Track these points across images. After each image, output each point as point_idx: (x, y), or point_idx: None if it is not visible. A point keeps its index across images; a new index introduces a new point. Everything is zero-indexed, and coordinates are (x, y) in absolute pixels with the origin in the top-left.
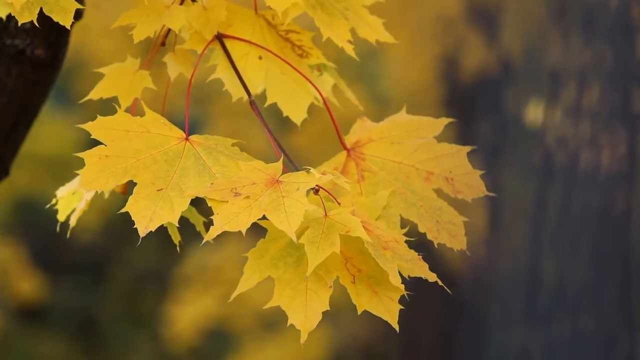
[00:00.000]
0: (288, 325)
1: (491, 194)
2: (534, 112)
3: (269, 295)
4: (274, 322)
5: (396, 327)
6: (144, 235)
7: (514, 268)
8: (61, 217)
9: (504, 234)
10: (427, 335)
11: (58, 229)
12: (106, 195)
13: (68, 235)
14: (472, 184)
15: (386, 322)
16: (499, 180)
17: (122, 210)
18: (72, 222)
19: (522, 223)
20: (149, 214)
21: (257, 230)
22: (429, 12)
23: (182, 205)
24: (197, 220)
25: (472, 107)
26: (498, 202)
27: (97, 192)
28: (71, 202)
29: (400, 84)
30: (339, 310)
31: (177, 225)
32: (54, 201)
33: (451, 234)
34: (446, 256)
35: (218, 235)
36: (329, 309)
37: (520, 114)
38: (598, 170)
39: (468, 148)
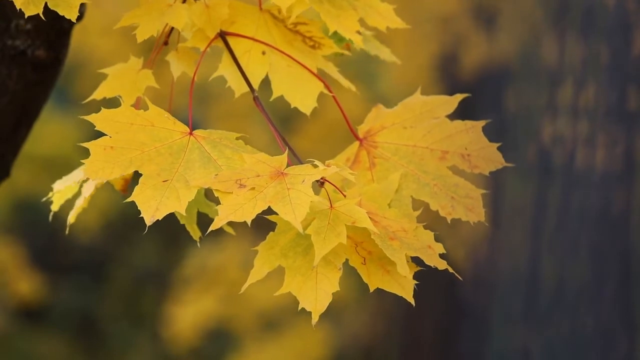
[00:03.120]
0: (299, 309)
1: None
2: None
3: (271, 295)
4: (275, 323)
5: (412, 301)
6: (150, 224)
7: (514, 268)
8: (55, 207)
9: (504, 233)
10: (428, 335)
11: (50, 218)
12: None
13: (67, 232)
14: (489, 157)
15: (387, 322)
16: (499, 180)
17: (128, 200)
18: (71, 219)
19: (522, 223)
20: (155, 204)
21: (258, 232)
22: (428, 12)
23: (188, 196)
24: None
25: (471, 107)
26: (498, 202)
27: (96, 187)
28: (66, 193)
29: (400, 83)
30: (340, 311)
31: (185, 214)
32: (50, 195)
33: (468, 207)
34: (447, 256)
35: (218, 236)
36: (339, 289)
37: (520, 113)
38: (597, 170)
39: (483, 122)
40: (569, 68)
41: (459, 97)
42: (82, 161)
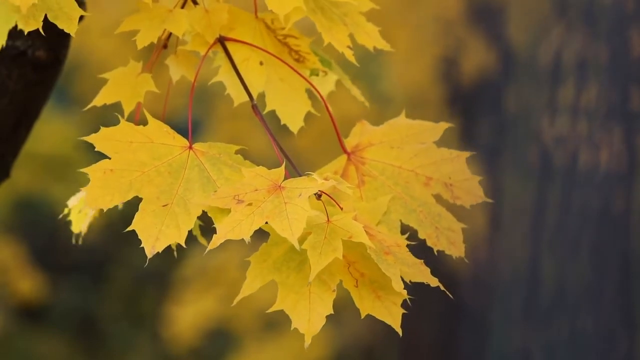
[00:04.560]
0: (292, 329)
1: (489, 200)
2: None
3: (270, 295)
4: (275, 323)
5: (399, 331)
6: (151, 256)
7: (514, 268)
8: (75, 229)
9: (504, 234)
10: (428, 335)
11: (74, 241)
12: (120, 206)
13: (80, 242)
14: (470, 190)
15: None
16: (499, 180)
17: (129, 229)
18: (84, 229)
19: (522, 223)
20: (155, 232)
21: (259, 232)
22: (429, 13)
23: (188, 224)
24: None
25: (472, 107)
26: (498, 202)
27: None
28: (84, 211)
29: (401, 84)
30: (341, 311)
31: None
32: (66, 211)
33: (450, 240)
34: (447, 256)
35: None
36: (332, 312)
37: (520, 113)
38: (598, 170)
39: (467, 154)
40: (569, 68)
41: (443, 125)
42: (82, 189)
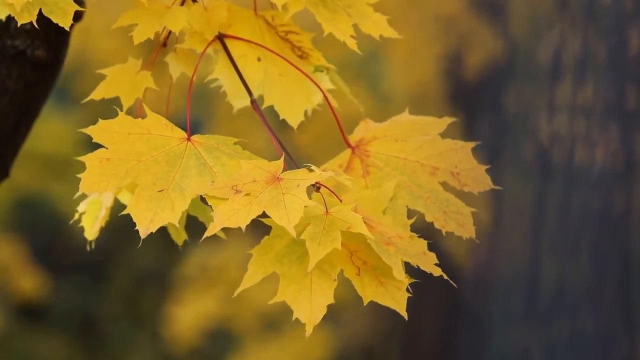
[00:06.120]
0: (293, 319)
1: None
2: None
3: (271, 295)
4: (276, 322)
5: (404, 315)
6: (144, 236)
7: (514, 268)
8: (89, 235)
9: (504, 233)
10: (428, 335)
11: (88, 247)
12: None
13: (88, 249)
14: (477, 177)
15: (387, 322)
16: (499, 180)
17: (124, 212)
18: (95, 232)
19: (522, 223)
20: (149, 215)
21: (258, 232)
22: (430, 12)
23: (182, 206)
24: (209, 219)
25: (473, 106)
26: (498, 201)
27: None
28: (92, 212)
29: (402, 82)
30: (341, 310)
31: (177, 225)
32: (76, 216)
33: (459, 223)
34: (447, 255)
35: (219, 236)
36: (333, 302)
37: (520, 112)
38: (594, 168)
39: (472, 144)
40: (568, 66)
41: (447, 120)
42: (78, 176)
